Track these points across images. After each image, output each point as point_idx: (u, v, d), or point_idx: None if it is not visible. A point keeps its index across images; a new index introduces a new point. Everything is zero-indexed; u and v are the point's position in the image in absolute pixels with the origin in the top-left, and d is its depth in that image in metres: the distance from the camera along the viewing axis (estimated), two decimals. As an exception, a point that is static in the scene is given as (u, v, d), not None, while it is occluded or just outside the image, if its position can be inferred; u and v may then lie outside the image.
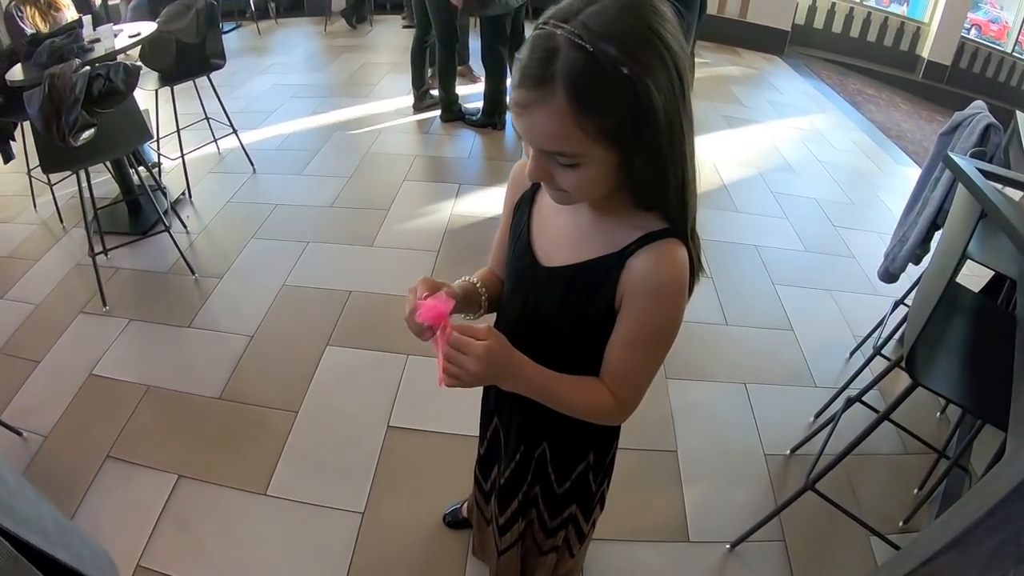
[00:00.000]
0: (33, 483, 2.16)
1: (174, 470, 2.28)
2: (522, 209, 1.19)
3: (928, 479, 2.41)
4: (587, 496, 1.44)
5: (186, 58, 3.83)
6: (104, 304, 3.02)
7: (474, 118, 5.14)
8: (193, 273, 3.25)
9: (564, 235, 1.10)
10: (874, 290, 3.51)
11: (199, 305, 3.07)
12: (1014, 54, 10.59)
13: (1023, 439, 0.85)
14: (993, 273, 2.44)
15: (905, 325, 2.72)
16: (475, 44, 6.16)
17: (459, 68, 6.15)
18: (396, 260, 3.45)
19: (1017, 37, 10.98)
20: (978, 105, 2.50)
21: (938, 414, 2.77)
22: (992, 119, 2.33)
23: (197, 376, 2.68)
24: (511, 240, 1.22)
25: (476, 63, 5.63)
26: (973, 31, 10.66)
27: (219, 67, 4.01)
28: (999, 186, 1.48)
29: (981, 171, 1.50)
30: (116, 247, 3.36)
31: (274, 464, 2.32)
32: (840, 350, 3.07)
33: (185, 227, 3.64)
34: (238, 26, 7.69)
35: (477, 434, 1.57)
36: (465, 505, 2.09)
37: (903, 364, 1.57)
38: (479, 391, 1.45)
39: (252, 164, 4.33)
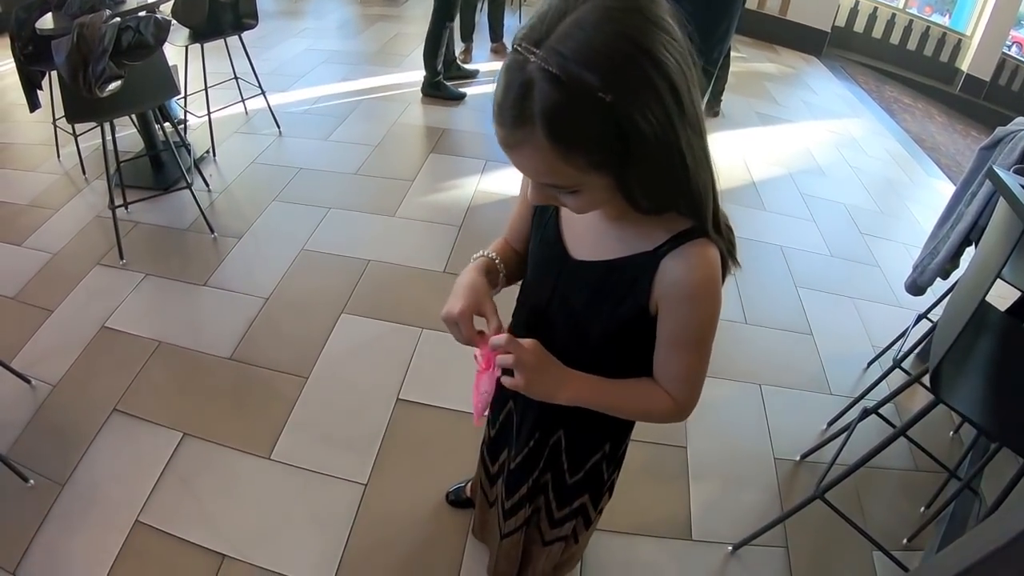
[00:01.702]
0: (38, 432, 2.18)
1: (179, 428, 2.27)
2: None
3: (936, 498, 2.37)
4: (599, 485, 1.41)
5: (218, 16, 3.80)
6: (121, 257, 3.01)
7: (449, 90, 5.12)
8: (212, 232, 3.23)
9: (593, 228, 1.05)
10: (896, 301, 3.46)
11: (216, 264, 3.05)
12: None
13: None
14: (1020, 293, 2.39)
15: (926, 340, 2.72)
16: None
17: (493, 45, 6.13)
18: (417, 232, 3.42)
19: None
20: (1021, 122, 2.43)
21: (951, 433, 2.72)
22: None
23: (209, 335, 2.66)
24: (535, 225, 1.18)
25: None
26: (1014, 48, 10.47)
27: (251, 27, 3.97)
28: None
29: (1025, 188, 1.45)
30: (137, 201, 3.34)
31: (279, 429, 2.30)
32: (858, 359, 3.02)
33: (207, 185, 3.62)
34: (274, -14, 7.61)
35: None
36: (469, 484, 2.07)
37: (927, 380, 1.53)
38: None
39: (279, 126, 4.31)
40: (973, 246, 2.52)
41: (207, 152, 3.94)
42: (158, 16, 2.82)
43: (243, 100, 4.41)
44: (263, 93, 4.25)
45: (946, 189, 5.21)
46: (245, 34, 4.00)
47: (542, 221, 1.15)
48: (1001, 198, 1.60)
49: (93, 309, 2.75)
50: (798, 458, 2.47)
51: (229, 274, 3.01)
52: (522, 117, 0.79)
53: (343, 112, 4.66)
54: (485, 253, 1.23)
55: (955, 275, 2.70)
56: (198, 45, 3.80)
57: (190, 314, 2.78)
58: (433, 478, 2.17)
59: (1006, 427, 1.52)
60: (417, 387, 2.51)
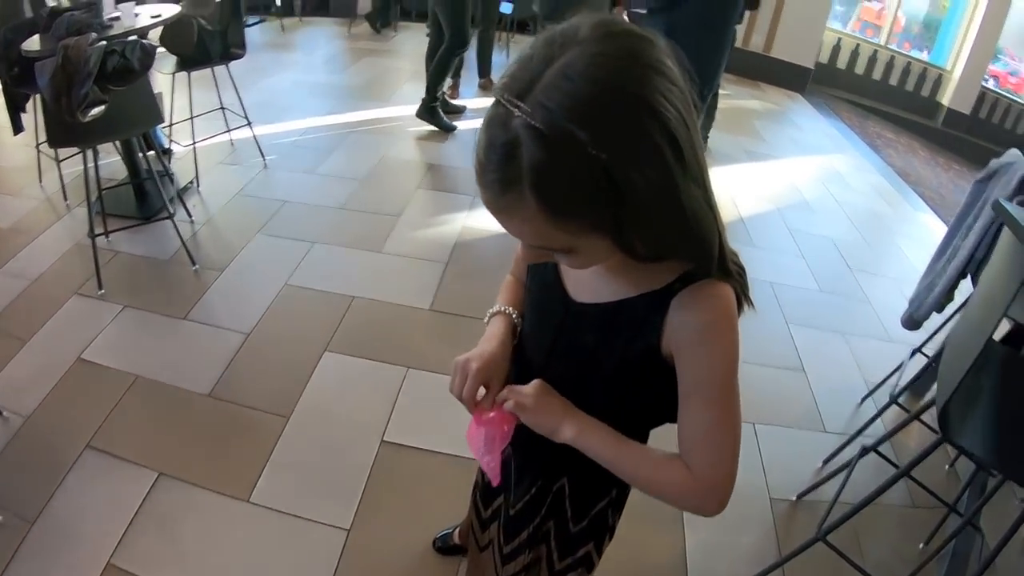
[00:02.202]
0: (9, 466, 2.11)
1: (155, 466, 2.19)
2: None
3: (935, 535, 2.33)
4: (603, 532, 1.33)
5: (206, 45, 3.78)
6: (100, 287, 2.94)
7: (443, 119, 5.15)
8: (194, 264, 3.16)
9: (595, 271, 0.97)
10: (887, 336, 3.44)
11: (197, 297, 2.98)
12: None
13: None
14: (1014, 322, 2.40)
15: (922, 375, 2.70)
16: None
17: (481, 81, 6.16)
18: (403, 268, 3.37)
19: None
20: (1014, 153, 2.43)
21: (947, 467, 2.70)
22: None
23: (188, 370, 2.59)
24: (531, 269, 1.11)
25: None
26: (991, 82, 10.68)
27: (239, 57, 3.96)
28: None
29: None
30: (118, 230, 3.28)
31: (259, 470, 2.22)
32: (852, 395, 2.99)
33: (190, 216, 3.57)
34: (262, 20, 7.66)
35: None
36: (458, 531, 1.99)
37: (926, 417, 1.50)
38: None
39: (264, 158, 4.26)
40: (969, 279, 2.52)
41: (191, 182, 3.89)
42: (145, 42, 2.80)
43: (229, 131, 4.37)
44: (249, 124, 4.21)
45: (932, 222, 5.29)
46: (233, 65, 3.98)
47: (539, 263, 1.08)
48: (1003, 232, 1.60)
49: (70, 340, 2.67)
50: (795, 498, 2.43)
51: (210, 308, 2.94)
52: (508, 180, 0.73)
53: (330, 146, 4.64)
54: (503, 309, 1.16)
55: (949, 308, 2.71)
56: (185, 74, 3.78)
57: (169, 348, 2.71)
58: (420, 524, 2.09)
59: (1014, 463, 1.50)
60: (403, 428, 2.44)
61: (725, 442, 0.95)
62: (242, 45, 3.94)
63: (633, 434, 1.03)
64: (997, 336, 2.15)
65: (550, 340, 1.08)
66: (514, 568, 1.41)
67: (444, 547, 2.01)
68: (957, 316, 2.66)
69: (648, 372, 0.97)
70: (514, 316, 1.16)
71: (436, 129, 5.12)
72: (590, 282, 0.99)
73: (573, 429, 0.99)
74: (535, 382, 1.01)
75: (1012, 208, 1.55)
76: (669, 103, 0.71)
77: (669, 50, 0.75)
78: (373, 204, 3.94)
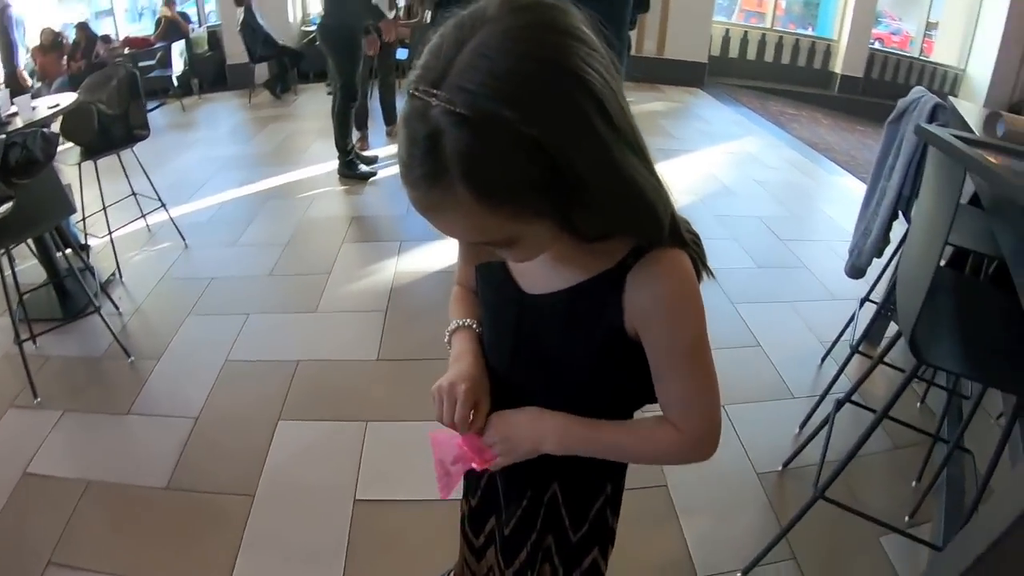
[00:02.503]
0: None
1: (125, 572, 2.06)
2: None
3: (924, 469, 2.40)
4: (605, 535, 1.27)
5: (108, 130, 3.69)
6: (35, 396, 2.78)
7: (360, 170, 5.23)
8: (128, 356, 3.04)
9: (543, 261, 0.92)
10: (831, 296, 3.58)
11: (137, 390, 2.85)
12: (921, 58, 11.22)
13: None
14: (954, 248, 2.50)
15: (874, 322, 2.85)
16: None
17: (388, 129, 6.23)
18: (343, 324, 3.31)
19: (921, 45, 11.63)
20: (919, 90, 2.57)
21: (918, 404, 2.81)
22: (938, 99, 2.41)
23: (141, 466, 2.46)
24: (481, 270, 1.07)
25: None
26: (877, 44, 11.18)
27: (143, 138, 3.87)
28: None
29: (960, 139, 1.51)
30: (44, 332, 3.13)
31: (234, 555, 2.10)
32: (811, 358, 3.08)
33: (117, 308, 3.44)
34: (162, 104, 7.58)
35: (454, 496, 1.42)
36: (452, 574, 1.94)
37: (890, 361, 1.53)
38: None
39: (183, 238, 4.16)
40: (902, 217, 2.62)
41: (113, 274, 3.76)
42: (45, 130, 2.72)
43: (144, 215, 4.24)
44: (164, 206, 4.11)
45: (849, 183, 5.52)
46: (139, 149, 3.89)
47: (486, 263, 1.05)
48: (928, 160, 1.70)
49: (12, 456, 2.51)
50: (781, 467, 2.46)
51: (153, 398, 2.81)
52: (435, 174, 0.68)
53: (248, 216, 4.57)
54: (462, 323, 1.12)
55: (888, 253, 2.83)
56: (92, 163, 3.68)
57: (117, 447, 2.57)
58: None
59: (987, 369, 1.56)
60: (374, 484, 2.36)
61: (706, 398, 0.95)
62: (145, 126, 3.86)
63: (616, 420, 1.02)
64: (943, 262, 2.27)
65: (510, 341, 1.04)
66: None
67: (441, 596, 1.93)
68: (896, 259, 2.78)
69: (618, 354, 0.94)
70: (475, 327, 1.12)
71: (353, 183, 5.15)
72: (540, 273, 0.95)
73: (553, 442, 0.97)
74: (493, 425, 0.99)
75: (934, 128, 1.62)
76: (592, 68, 0.69)
77: (583, 16, 0.73)
78: (301, 266, 3.88)
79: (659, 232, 0.83)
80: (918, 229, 1.73)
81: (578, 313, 0.93)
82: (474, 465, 1.00)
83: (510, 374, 1.05)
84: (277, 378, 2.90)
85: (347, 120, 5.00)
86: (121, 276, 3.79)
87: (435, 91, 0.66)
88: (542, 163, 0.68)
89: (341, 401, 2.75)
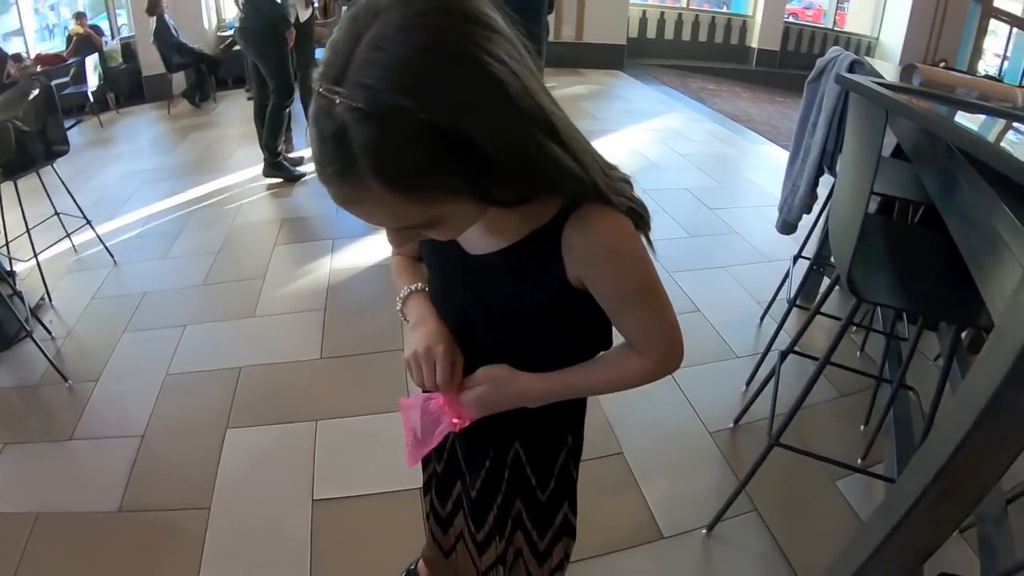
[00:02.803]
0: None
1: None
2: None
3: (871, 413, 2.54)
4: (572, 488, 1.30)
5: (26, 147, 3.53)
6: (-30, 433, 2.71)
7: (290, 171, 5.16)
8: (66, 380, 2.93)
9: (483, 226, 0.94)
10: (764, 258, 3.74)
11: (78, 414, 2.75)
12: (835, 29, 11.59)
13: (1012, 297, 0.88)
14: (881, 198, 2.65)
15: (805, 277, 2.95)
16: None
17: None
18: (283, 326, 3.28)
19: (834, 17, 12.00)
20: (836, 49, 2.68)
21: (858, 353, 2.96)
22: (855, 55, 2.52)
23: (90, 492, 2.37)
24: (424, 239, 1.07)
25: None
26: (791, 18, 11.51)
27: (63, 153, 3.70)
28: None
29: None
30: (-26, 366, 3.04)
31: (196, 571, 2.05)
32: (750, 319, 3.21)
33: (49, 333, 3.32)
34: (78, 121, 7.29)
35: (413, 485, 1.42)
36: (420, 562, 1.89)
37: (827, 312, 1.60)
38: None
39: (112, 256, 4.03)
40: (828, 172, 2.73)
41: (42, 298, 3.62)
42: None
43: (69, 235, 4.07)
44: (89, 223, 3.97)
45: (772, 151, 5.73)
46: (60, 167, 3.74)
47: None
48: (850, 113, 1.78)
49: None
50: (732, 425, 2.56)
51: (95, 421, 2.72)
52: (346, 170, 0.70)
53: (176, 227, 4.46)
54: (413, 288, 1.12)
55: (815, 209, 2.96)
56: (12, 184, 3.55)
57: (64, 474, 2.48)
58: (380, 571, 2.00)
59: (922, 302, 1.66)
60: (330, 482, 2.35)
61: (665, 326, 1.00)
62: (64, 141, 3.71)
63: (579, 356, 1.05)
64: (872, 209, 2.37)
65: (459, 300, 1.05)
66: (492, 556, 1.34)
67: (414, 582, 1.92)
68: (824, 215, 2.92)
69: (568, 305, 0.96)
70: (426, 290, 1.13)
71: (280, 185, 5.09)
72: (479, 237, 0.97)
73: (534, 394, 1.00)
74: (479, 380, 1.01)
75: (855, 76, 1.73)
76: (490, 52, 0.70)
77: (488, 1, 0.74)
78: (236, 272, 3.82)
79: (583, 189, 0.85)
80: (845, 176, 1.80)
81: (522, 269, 0.95)
82: (455, 420, 1.01)
83: (460, 332, 1.06)
84: (221, 386, 2.85)
85: (282, 121, 4.91)
86: (51, 299, 3.65)
87: (337, 88, 0.68)
88: (446, 147, 0.69)
89: (288, 403, 2.72)
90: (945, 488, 0.94)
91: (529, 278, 0.95)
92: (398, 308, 1.14)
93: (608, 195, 0.88)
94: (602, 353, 1.06)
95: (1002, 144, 1.37)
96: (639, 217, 0.93)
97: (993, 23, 5.87)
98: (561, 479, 1.26)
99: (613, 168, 0.94)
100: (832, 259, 3.07)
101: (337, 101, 0.68)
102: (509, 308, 1.00)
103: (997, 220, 0.99)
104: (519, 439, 1.20)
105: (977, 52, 5.93)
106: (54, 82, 4.90)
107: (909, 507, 0.99)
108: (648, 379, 1.04)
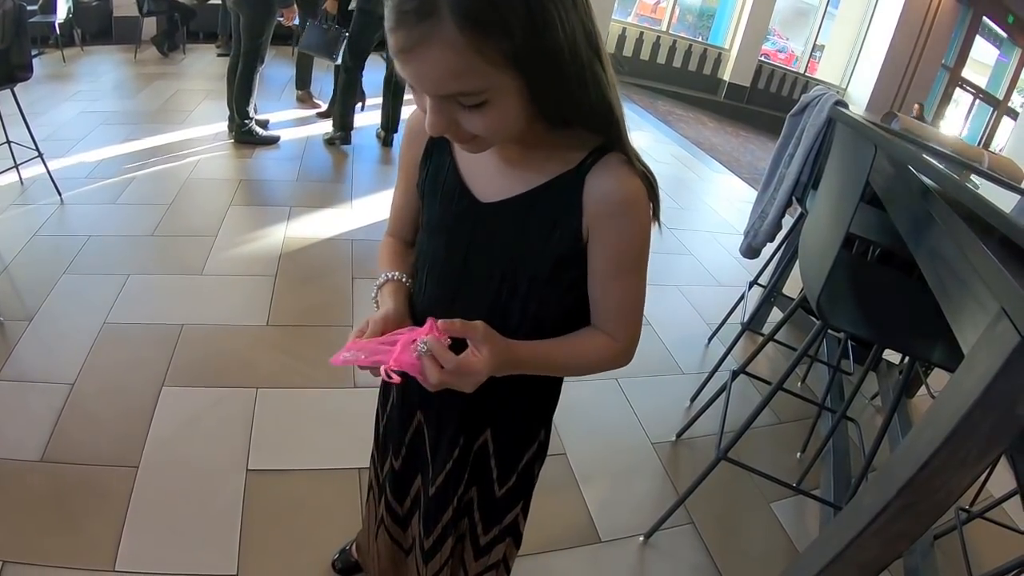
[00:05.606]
0: None
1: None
2: (439, 154, 1.04)
3: (808, 442, 2.64)
4: (530, 491, 1.27)
5: (-12, 64, 3.40)
6: None
7: (262, 134, 5.09)
8: None
9: (498, 168, 0.95)
10: (715, 282, 3.87)
11: (6, 354, 2.61)
12: (805, 74, 11.93)
13: (985, 329, 0.93)
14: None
15: (760, 305, 3.16)
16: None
17: (299, 93, 6.02)
18: (230, 288, 3.19)
19: (806, 64, 12.33)
20: (821, 88, 2.79)
21: (799, 384, 3.05)
22: (838, 96, 2.61)
23: (10, 438, 2.24)
24: (430, 192, 1.05)
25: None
26: (763, 59, 11.78)
27: (24, 79, 3.53)
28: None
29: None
30: (-102, 293, 2.85)
31: (119, 531, 1.95)
32: (698, 339, 3.30)
33: None
34: (41, 52, 6.97)
35: (360, 464, 1.37)
36: (354, 546, 1.87)
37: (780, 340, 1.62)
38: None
39: (60, 193, 3.87)
40: (798, 204, 2.81)
41: (-21, 230, 3.51)
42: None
43: (17, 166, 3.87)
44: (41, 157, 3.80)
45: (731, 181, 5.93)
46: (18, 96, 3.62)
47: (438, 179, 1.03)
48: (836, 143, 1.87)
49: None
50: (675, 438, 2.61)
51: (24, 363, 2.59)
52: (424, 9, 0.70)
53: (130, 174, 4.31)
54: (391, 276, 1.09)
55: (778, 238, 3.06)
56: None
57: None
58: (312, 549, 1.96)
59: (885, 333, 1.73)
60: (266, 453, 2.28)
61: (638, 312, 1.01)
62: (27, 67, 3.53)
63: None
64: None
65: (462, 255, 1.02)
66: (437, 565, 1.30)
67: (345, 567, 1.87)
68: (782, 248, 3.10)
69: (574, 260, 0.96)
70: (404, 280, 1.10)
71: (241, 146, 4.99)
72: (496, 179, 0.96)
73: (518, 355, 0.95)
74: (480, 333, 0.90)
75: (846, 111, 1.82)
76: None
77: None
78: (186, 227, 3.71)
79: (617, 133, 0.88)
80: (823, 206, 1.87)
81: (535, 221, 0.94)
82: (390, 364, 0.87)
83: (460, 288, 1.04)
84: (160, 342, 2.75)
85: (251, 83, 4.80)
86: (-12, 232, 3.52)
87: None
88: (520, 4, 0.71)
89: (229, 367, 2.65)
90: (906, 503, 0.98)
91: (541, 229, 0.95)
92: (373, 296, 1.10)
93: (632, 150, 0.91)
94: (576, 332, 1.05)
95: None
96: (650, 186, 0.93)
97: (957, 92, 6.13)
98: (522, 477, 1.24)
99: None
100: (784, 291, 3.16)
101: None
102: (516, 261, 0.98)
103: (971, 254, 1.03)
104: (491, 427, 1.17)
105: (938, 117, 6.20)
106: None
107: (869, 520, 1.03)
108: (610, 363, 1.04)
